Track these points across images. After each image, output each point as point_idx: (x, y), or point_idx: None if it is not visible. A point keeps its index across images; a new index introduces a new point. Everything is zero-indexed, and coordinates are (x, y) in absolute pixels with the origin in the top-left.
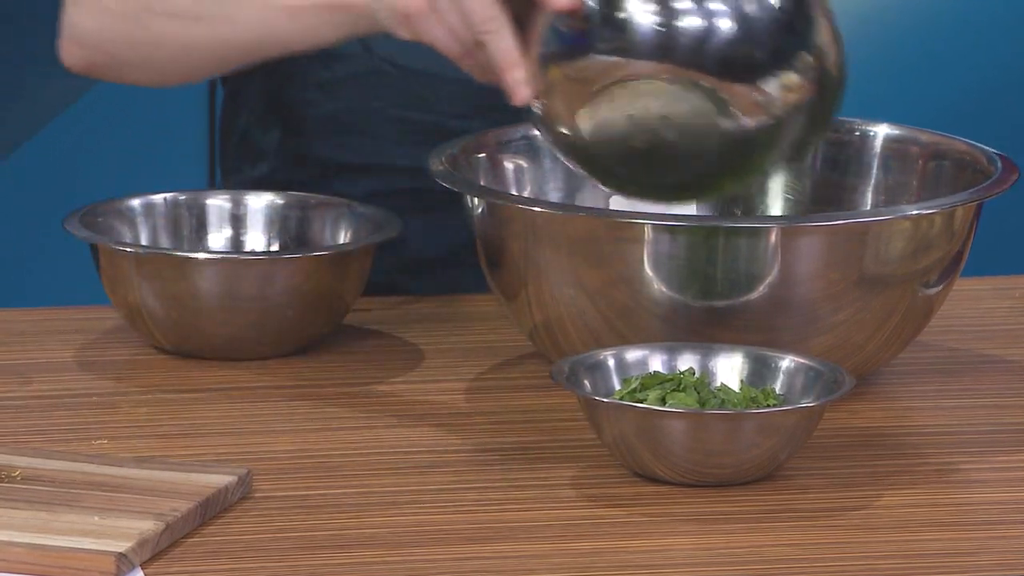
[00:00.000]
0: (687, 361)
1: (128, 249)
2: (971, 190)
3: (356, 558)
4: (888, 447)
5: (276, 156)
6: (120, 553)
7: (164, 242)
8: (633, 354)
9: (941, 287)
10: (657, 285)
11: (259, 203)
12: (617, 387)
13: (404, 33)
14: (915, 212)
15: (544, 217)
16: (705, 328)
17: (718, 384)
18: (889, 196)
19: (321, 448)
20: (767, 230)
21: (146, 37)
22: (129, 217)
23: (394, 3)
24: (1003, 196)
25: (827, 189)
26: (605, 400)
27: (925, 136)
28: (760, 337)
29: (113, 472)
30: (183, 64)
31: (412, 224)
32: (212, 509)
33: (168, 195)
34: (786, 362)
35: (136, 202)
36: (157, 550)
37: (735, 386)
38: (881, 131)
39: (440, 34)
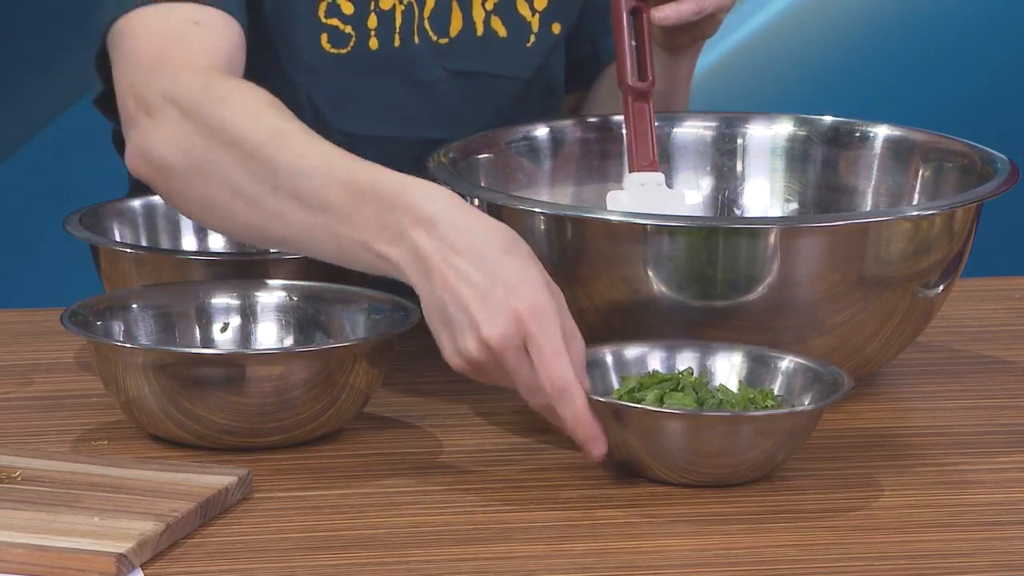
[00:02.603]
0: (686, 359)
1: (128, 249)
2: (971, 191)
3: (356, 558)
4: (888, 447)
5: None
6: (120, 554)
7: (164, 242)
8: (632, 351)
9: (941, 288)
10: (657, 285)
11: None
12: (616, 386)
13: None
14: (915, 213)
15: (544, 217)
16: (705, 329)
17: (716, 384)
18: (889, 197)
19: (321, 449)
20: (767, 231)
21: (206, 196)
22: (129, 217)
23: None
24: (1003, 197)
25: (827, 190)
26: (603, 400)
27: (925, 137)
28: (760, 338)
29: (113, 473)
30: (229, 230)
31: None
32: (212, 510)
33: None
34: (785, 362)
35: (136, 202)
36: (157, 551)
37: (734, 386)
38: (881, 131)
39: (502, 380)
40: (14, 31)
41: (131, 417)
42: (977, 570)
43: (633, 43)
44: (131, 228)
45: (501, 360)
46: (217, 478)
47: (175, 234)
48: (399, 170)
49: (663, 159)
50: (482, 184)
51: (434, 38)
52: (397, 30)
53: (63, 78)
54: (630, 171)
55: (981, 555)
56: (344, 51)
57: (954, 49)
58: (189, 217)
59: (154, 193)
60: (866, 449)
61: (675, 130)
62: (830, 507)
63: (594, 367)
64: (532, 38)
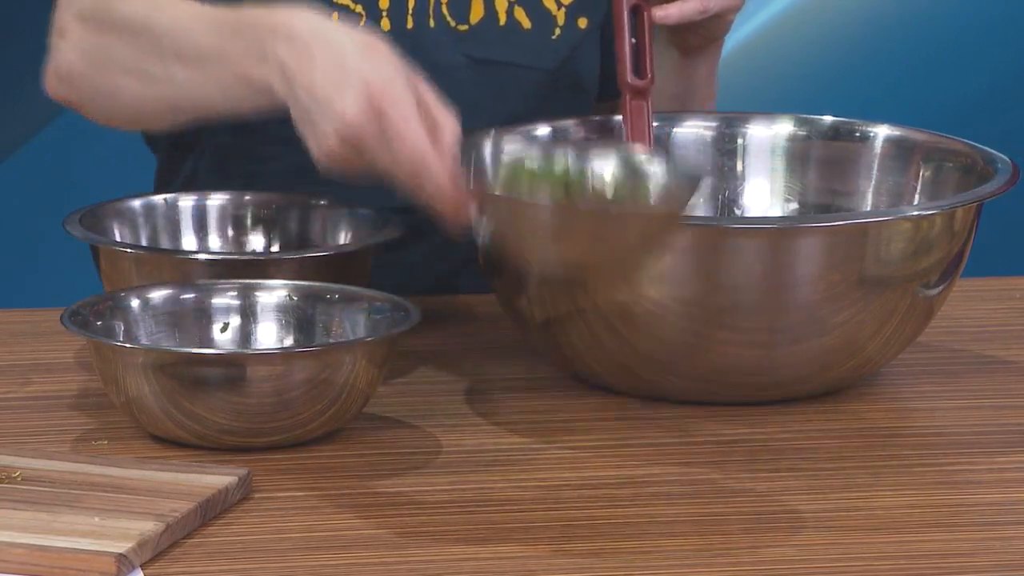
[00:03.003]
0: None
1: (128, 249)
2: (971, 191)
3: (356, 558)
4: (888, 447)
5: None
6: (120, 554)
7: (164, 242)
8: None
9: (941, 288)
10: (657, 285)
11: (259, 204)
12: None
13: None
14: (915, 213)
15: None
16: (705, 329)
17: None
18: (889, 197)
19: (321, 449)
20: (767, 231)
21: (106, 83)
22: (129, 217)
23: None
24: (1003, 197)
25: (827, 190)
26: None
27: (925, 137)
28: (760, 338)
29: (113, 473)
30: (139, 113)
31: (402, 258)
32: (212, 510)
33: (168, 195)
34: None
35: (136, 202)
36: (157, 551)
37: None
38: (881, 131)
39: (369, 166)
40: (14, 31)
41: (131, 417)
42: (977, 570)
43: (632, 40)
44: (131, 228)
45: (360, 144)
46: (217, 478)
47: (175, 234)
48: None
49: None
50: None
51: (452, 24)
52: (410, 12)
53: None
54: None
55: (980, 555)
56: None
57: (954, 49)
58: (106, 122)
59: (154, 193)
60: (866, 449)
61: (675, 130)
62: (830, 507)
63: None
64: (557, 31)
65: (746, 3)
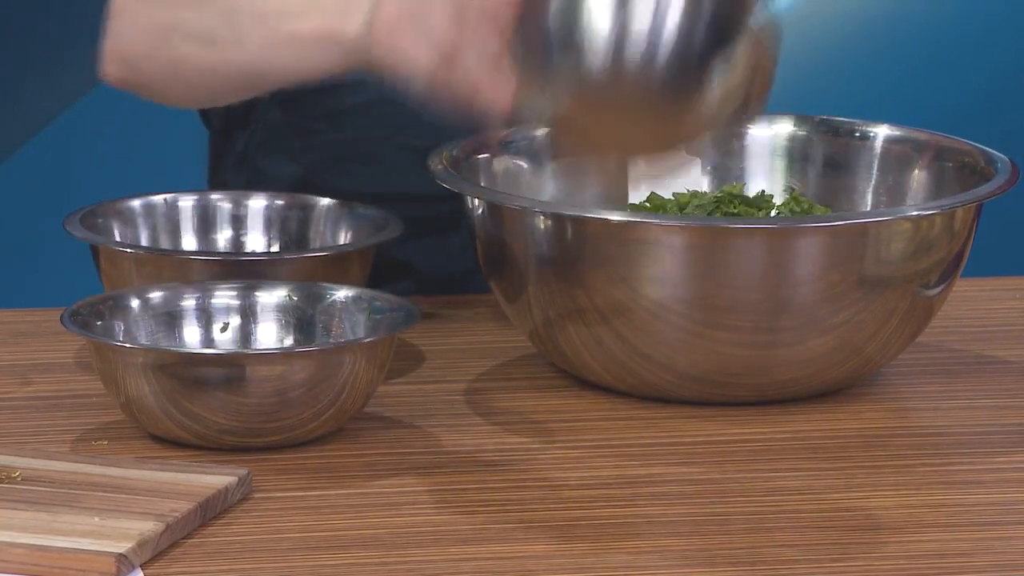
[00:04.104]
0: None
1: (128, 249)
2: (971, 191)
3: (356, 558)
4: (888, 448)
5: (278, 182)
6: (120, 554)
7: (164, 242)
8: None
9: (941, 288)
10: (657, 285)
11: (259, 204)
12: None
13: (391, 57)
14: (915, 213)
15: (544, 218)
16: (705, 329)
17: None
18: (889, 196)
19: (321, 449)
20: (767, 230)
21: (169, 57)
22: (129, 217)
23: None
24: (1003, 196)
25: (827, 189)
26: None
27: (925, 136)
28: (760, 338)
29: (113, 472)
30: (201, 87)
31: (422, 249)
32: (212, 510)
33: (168, 195)
34: None
35: (136, 202)
36: (157, 551)
37: None
38: (881, 131)
39: (422, 49)
40: (14, 31)
41: (131, 417)
42: (976, 570)
43: None
44: (131, 228)
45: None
46: (217, 478)
47: (175, 234)
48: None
49: None
50: (482, 184)
51: None
52: None
53: (63, 78)
54: None
55: (980, 555)
56: None
57: (954, 49)
58: (169, 101)
59: (154, 193)
60: (866, 449)
61: None
62: (830, 507)
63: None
64: None
65: None
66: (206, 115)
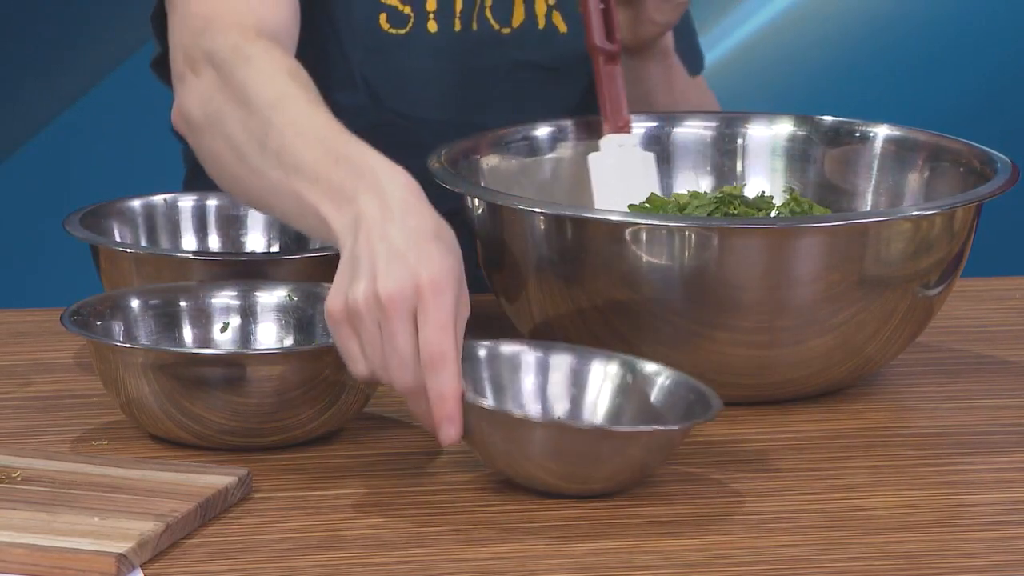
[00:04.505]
0: (560, 361)
1: (128, 249)
2: (971, 191)
3: (356, 558)
4: (888, 448)
5: None
6: (120, 554)
7: (164, 242)
8: (507, 348)
9: (941, 288)
10: (657, 285)
11: None
12: (486, 379)
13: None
14: (915, 213)
15: (544, 217)
16: (705, 329)
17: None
18: (889, 196)
19: (321, 449)
20: (767, 231)
21: (213, 146)
22: (129, 217)
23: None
24: (1003, 197)
25: (827, 190)
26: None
27: (925, 137)
28: (760, 338)
29: (113, 473)
30: (223, 183)
31: None
32: (212, 510)
33: (168, 195)
34: (661, 378)
35: (136, 202)
36: (157, 551)
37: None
38: (881, 131)
39: (369, 344)
40: (14, 31)
41: (131, 417)
42: (977, 570)
43: (601, 5)
44: (131, 228)
45: (385, 317)
46: (217, 478)
47: (175, 234)
48: None
49: (663, 159)
50: (482, 184)
51: (496, 27)
52: (457, 15)
53: (63, 78)
54: (606, 132)
55: (981, 555)
56: (403, 32)
57: (954, 49)
58: (209, 174)
59: (154, 193)
60: (866, 449)
61: (675, 130)
62: (830, 507)
63: (466, 361)
64: None
65: (746, 3)
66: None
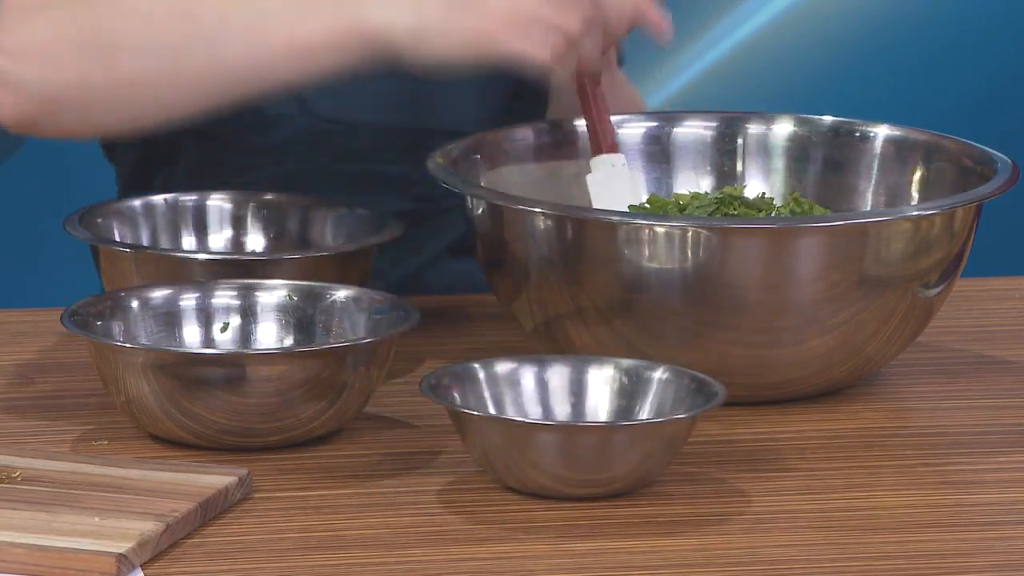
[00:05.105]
0: (556, 373)
1: (128, 249)
2: (971, 191)
3: (355, 558)
4: (888, 448)
5: None
6: (120, 554)
7: (164, 242)
8: (503, 366)
9: (941, 288)
10: (657, 286)
11: (259, 204)
12: (487, 397)
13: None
14: (915, 213)
15: (544, 217)
16: (705, 329)
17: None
18: (889, 196)
19: (321, 449)
20: (767, 231)
21: (111, 78)
22: (129, 217)
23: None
24: (1003, 197)
25: (827, 189)
26: (474, 413)
27: (925, 136)
28: (760, 338)
29: (113, 472)
30: (158, 103)
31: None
32: (212, 510)
33: (168, 195)
34: (659, 373)
35: (136, 202)
36: (157, 551)
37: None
38: (881, 131)
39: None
40: None
41: (131, 417)
42: (976, 570)
43: None
44: (131, 228)
45: None
46: (217, 478)
47: (175, 234)
48: (389, 160)
49: (664, 159)
50: (482, 184)
51: None
52: None
53: None
54: (595, 154)
55: (980, 555)
56: None
57: (954, 49)
58: (107, 127)
59: (154, 193)
60: (866, 449)
61: (675, 130)
62: (829, 507)
63: (466, 381)
64: None
65: (746, 3)
66: (112, 150)
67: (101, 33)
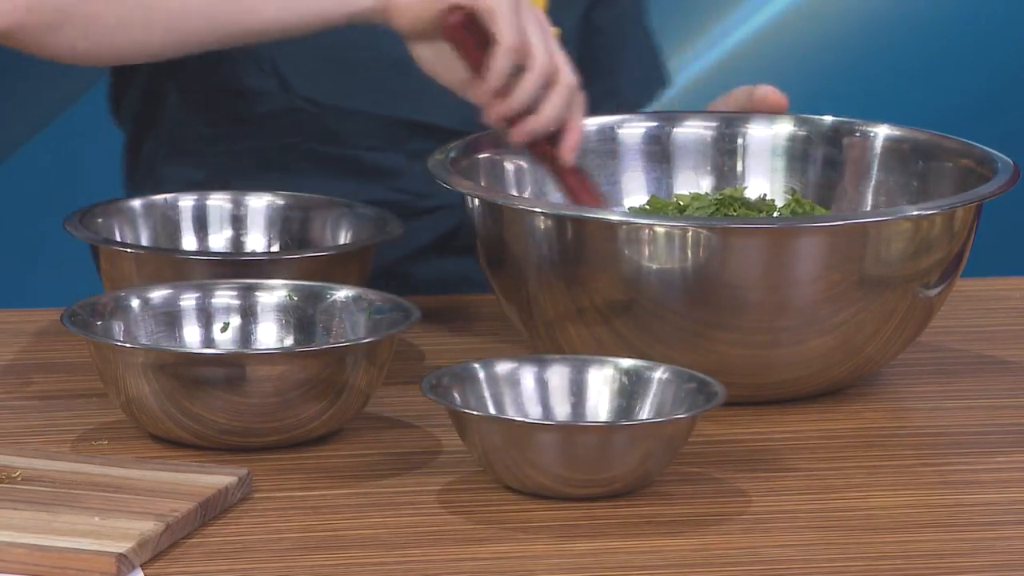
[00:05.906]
0: (556, 373)
1: (128, 249)
2: (971, 191)
3: (355, 558)
4: (888, 447)
5: (179, 188)
6: (120, 554)
7: (164, 242)
8: (503, 366)
9: (941, 288)
10: (657, 285)
11: (259, 203)
12: (488, 397)
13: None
14: (915, 213)
15: (544, 217)
16: (705, 329)
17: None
18: (889, 196)
19: (321, 449)
20: (767, 230)
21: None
22: (129, 217)
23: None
24: (1003, 197)
25: (827, 190)
26: (474, 413)
27: (925, 136)
28: (760, 338)
29: (113, 472)
30: (129, 34)
31: None
32: (212, 510)
33: (168, 195)
34: (659, 372)
35: (136, 202)
36: (157, 551)
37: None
38: (881, 131)
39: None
40: None
41: (131, 417)
42: (975, 570)
43: None
44: (131, 228)
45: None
46: (217, 478)
47: (175, 234)
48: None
49: (664, 159)
50: (482, 184)
51: None
52: None
53: (63, 78)
54: None
55: (979, 555)
56: None
57: (954, 49)
58: (82, 53)
59: (154, 193)
60: (865, 449)
61: (675, 130)
62: (829, 507)
63: (466, 381)
64: None
65: (746, 3)
66: (119, 112)
67: None
